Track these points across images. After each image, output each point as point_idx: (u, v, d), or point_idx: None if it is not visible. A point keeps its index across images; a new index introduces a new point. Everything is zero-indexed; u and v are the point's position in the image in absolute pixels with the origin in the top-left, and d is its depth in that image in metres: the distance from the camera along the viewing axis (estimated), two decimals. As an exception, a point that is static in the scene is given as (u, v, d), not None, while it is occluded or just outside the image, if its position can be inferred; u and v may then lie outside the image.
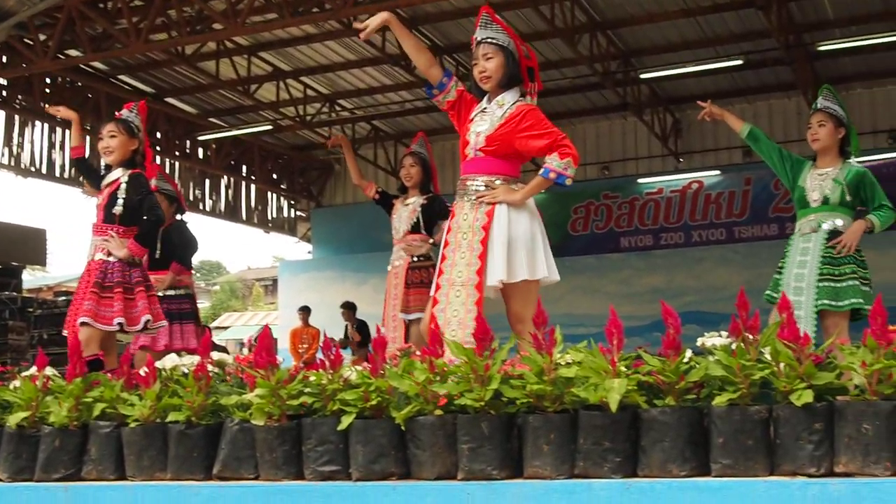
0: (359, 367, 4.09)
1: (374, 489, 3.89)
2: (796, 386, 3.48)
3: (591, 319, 16.78)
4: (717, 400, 3.54)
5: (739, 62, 15.84)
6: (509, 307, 5.25)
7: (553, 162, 5.21)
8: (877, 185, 6.26)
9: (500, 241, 5.16)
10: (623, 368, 3.69)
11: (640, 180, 18.93)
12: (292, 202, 22.54)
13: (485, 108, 5.38)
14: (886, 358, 3.43)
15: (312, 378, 4.12)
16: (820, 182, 6.23)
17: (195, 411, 4.32)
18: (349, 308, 16.34)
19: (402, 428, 3.91)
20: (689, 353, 3.77)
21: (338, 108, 18.61)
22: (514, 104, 5.33)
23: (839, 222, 6.15)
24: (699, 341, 4.12)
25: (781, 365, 3.55)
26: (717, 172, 18.44)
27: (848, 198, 6.17)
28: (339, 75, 17.43)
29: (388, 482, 3.90)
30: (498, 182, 5.25)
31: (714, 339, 4.02)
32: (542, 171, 5.23)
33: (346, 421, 3.96)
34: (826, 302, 5.91)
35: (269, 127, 18.93)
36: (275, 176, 21.46)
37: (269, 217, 22.08)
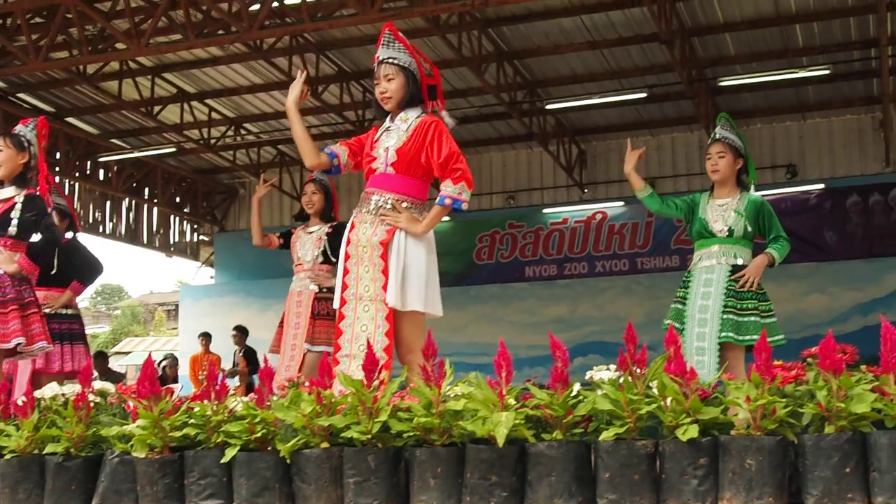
0: (245, 399, 4.00)
1: (257, 523, 3.80)
2: (682, 421, 3.48)
3: (496, 348, 16.79)
4: (604, 434, 3.53)
5: (643, 95, 16.05)
6: (400, 335, 5.19)
7: (447, 188, 5.20)
8: (774, 216, 6.33)
9: (397, 266, 5.13)
10: (512, 402, 3.66)
11: (546, 210, 19.05)
12: (195, 226, 22.21)
13: (389, 127, 5.37)
14: (770, 393, 3.46)
15: (196, 409, 4.02)
16: (722, 213, 6.28)
17: (74, 443, 4.19)
18: (241, 332, 16.12)
19: (288, 461, 3.83)
20: (577, 387, 3.76)
21: (243, 132, 18.42)
22: (417, 118, 5.33)
23: (742, 256, 6.21)
24: (587, 375, 4.11)
25: (668, 399, 3.55)
26: (621, 203, 18.64)
27: (746, 232, 6.23)
28: (245, 98, 17.26)
29: (272, 516, 3.82)
30: (405, 205, 5.22)
31: (603, 373, 4.02)
32: (438, 199, 5.21)
33: (229, 453, 3.87)
34: (730, 334, 5.95)
35: (173, 149, 18.62)
36: (178, 199, 21.09)
37: (172, 241, 21.72)
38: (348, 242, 5.29)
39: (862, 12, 14.00)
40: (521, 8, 13.90)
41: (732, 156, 6.33)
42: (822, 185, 17.54)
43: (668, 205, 6.56)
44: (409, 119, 5.33)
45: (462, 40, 14.03)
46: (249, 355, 15.61)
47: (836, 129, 17.77)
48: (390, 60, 5.36)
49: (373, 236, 5.19)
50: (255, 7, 12.48)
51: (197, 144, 18.00)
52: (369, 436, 3.70)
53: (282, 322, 7.97)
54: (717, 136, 6.40)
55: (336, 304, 5.25)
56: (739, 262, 6.19)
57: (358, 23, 12.57)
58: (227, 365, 15.88)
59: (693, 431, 3.43)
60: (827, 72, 15.23)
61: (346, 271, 5.25)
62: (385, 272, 5.11)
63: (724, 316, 6.01)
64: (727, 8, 14.07)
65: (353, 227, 5.32)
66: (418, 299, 5.14)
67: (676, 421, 3.49)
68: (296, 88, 5.55)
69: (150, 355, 4.11)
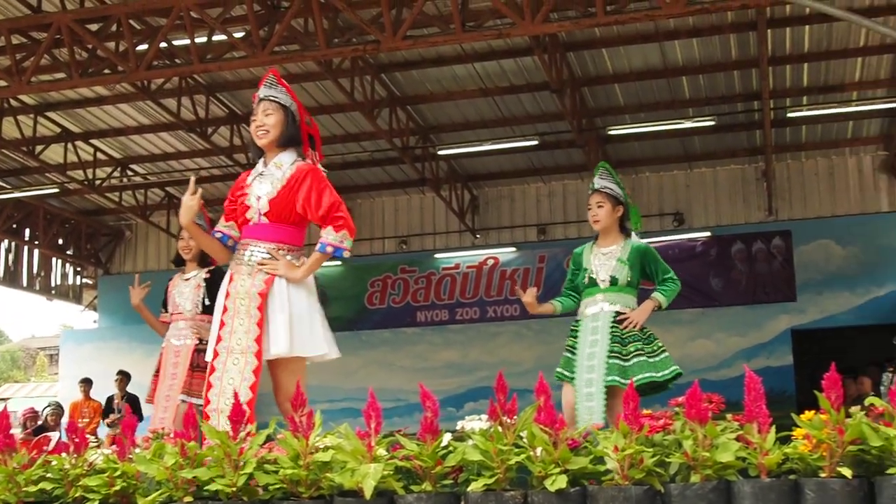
0: (106, 451, 3.87)
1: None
2: (551, 471, 3.47)
3: (386, 394, 16.72)
4: (473, 485, 3.49)
5: (535, 143, 16.25)
6: (279, 383, 5.10)
7: (329, 236, 5.13)
8: (659, 259, 6.41)
9: (281, 313, 5.05)
10: (382, 452, 3.61)
11: (438, 255, 19.08)
12: (78, 269, 21.67)
13: (262, 172, 5.24)
14: (638, 443, 3.47)
15: (54, 462, 3.88)
16: (605, 262, 6.32)
17: (-73, 497, 4.02)
18: (125, 377, 15.71)
19: (150, 515, 3.71)
20: (447, 437, 3.72)
21: (129, 173, 18.13)
22: (293, 164, 5.23)
23: (626, 303, 6.26)
24: (458, 425, 4.08)
25: (538, 450, 3.54)
26: (513, 249, 18.78)
27: (630, 278, 6.29)
28: (132, 139, 16.99)
29: (133, 573, 3.71)
30: (282, 253, 5.14)
31: (474, 423, 3.99)
32: (318, 245, 5.14)
33: (87, 509, 3.75)
34: (616, 378, 5.98)
35: (56, 190, 18.22)
36: (60, 241, 20.53)
37: (53, 283, 21.16)
38: (227, 295, 5.17)
39: (745, 66, 14.43)
40: (413, 54, 13.99)
41: (611, 204, 6.38)
42: (707, 233, 17.94)
43: (572, 290, 6.57)
44: (283, 165, 5.22)
45: (355, 85, 14.05)
46: (133, 402, 15.19)
47: (721, 179, 18.20)
48: (271, 98, 5.26)
49: (251, 287, 5.09)
50: (144, 47, 12.33)
51: (81, 185, 17.61)
52: (234, 489, 3.61)
53: (157, 372, 7.74)
54: (596, 185, 6.45)
55: (209, 357, 5.14)
56: (624, 309, 6.24)
57: (248, 65, 12.48)
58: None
59: (561, 482, 3.42)
60: (712, 123, 15.64)
61: (221, 324, 5.13)
62: (260, 324, 5.02)
63: (610, 361, 6.05)
64: (616, 59, 14.36)
65: (231, 279, 5.20)
66: (302, 345, 5.06)
67: (545, 471, 3.48)
68: (190, 206, 5.32)
69: (5, 406, 3.95)
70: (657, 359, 6.10)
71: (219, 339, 5.10)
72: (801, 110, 15.45)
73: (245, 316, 5.06)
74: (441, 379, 17.82)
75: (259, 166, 5.29)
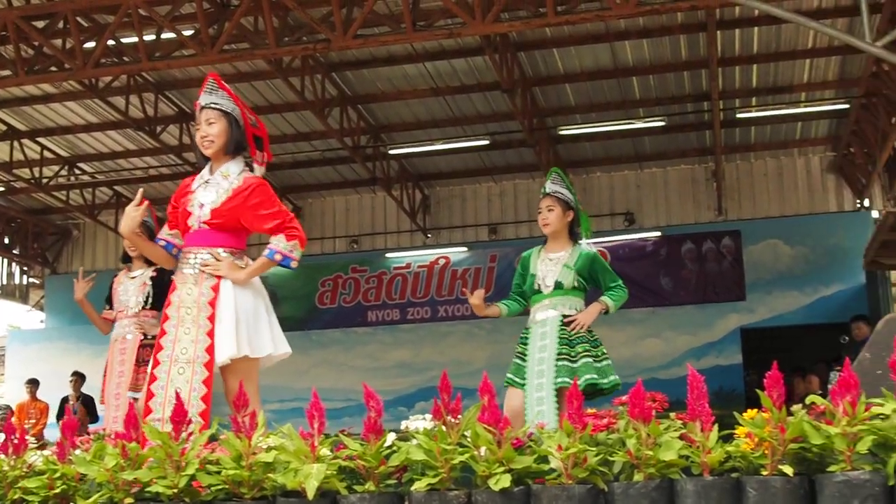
0: (46, 452, 3.83)
1: (54, 584, 3.64)
2: (495, 470, 3.46)
3: (337, 394, 16.70)
4: (417, 485, 3.48)
5: (486, 142, 16.30)
6: (229, 385, 5.06)
7: (280, 244, 5.10)
8: (607, 267, 6.46)
9: (228, 317, 5.02)
10: (325, 453, 3.58)
11: (389, 255, 19.05)
12: (25, 268, 21.39)
13: (208, 179, 5.19)
14: (582, 442, 3.47)
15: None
16: (552, 267, 6.35)
17: None
18: (80, 377, 15.53)
19: (90, 517, 3.67)
20: (391, 437, 3.70)
21: (77, 172, 17.92)
22: (240, 175, 5.18)
23: (572, 307, 6.30)
24: (402, 424, 4.07)
25: (482, 449, 3.53)
26: (464, 249, 18.79)
27: (576, 284, 6.32)
28: (80, 137, 16.80)
29: (73, 576, 3.66)
30: (223, 254, 5.10)
31: (418, 423, 3.97)
32: (267, 251, 5.11)
33: (26, 511, 3.70)
34: (565, 380, 6.00)
35: (2, 188, 18.03)
36: (6, 240, 20.25)
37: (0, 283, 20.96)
38: (168, 304, 5.12)
39: (695, 67, 14.53)
40: (364, 53, 13.96)
41: (562, 209, 6.41)
42: (658, 233, 18.05)
43: (519, 295, 6.57)
44: (230, 175, 5.17)
45: (305, 84, 13.99)
46: (88, 403, 15.03)
47: (671, 179, 18.32)
48: (212, 105, 5.19)
49: (199, 297, 5.05)
50: (91, 44, 12.20)
51: (28, 184, 17.41)
52: (176, 490, 3.57)
53: (106, 371, 7.68)
54: (547, 190, 6.48)
55: (150, 368, 5.08)
56: (571, 312, 6.28)
57: (197, 63, 12.38)
58: (54, 412, 15.34)
59: (505, 481, 3.41)
60: (662, 123, 15.77)
61: (163, 332, 5.07)
62: (210, 334, 4.99)
63: (559, 363, 6.08)
64: (567, 59, 14.40)
65: (174, 288, 5.14)
66: (245, 346, 5.03)
67: (489, 470, 3.47)
68: (132, 217, 5.23)
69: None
70: (601, 364, 6.16)
71: (160, 348, 5.04)
72: (750, 111, 15.65)
73: (192, 325, 5.02)
74: (392, 378, 17.81)
75: (205, 173, 5.24)
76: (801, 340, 16.63)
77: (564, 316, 6.25)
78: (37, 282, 21.44)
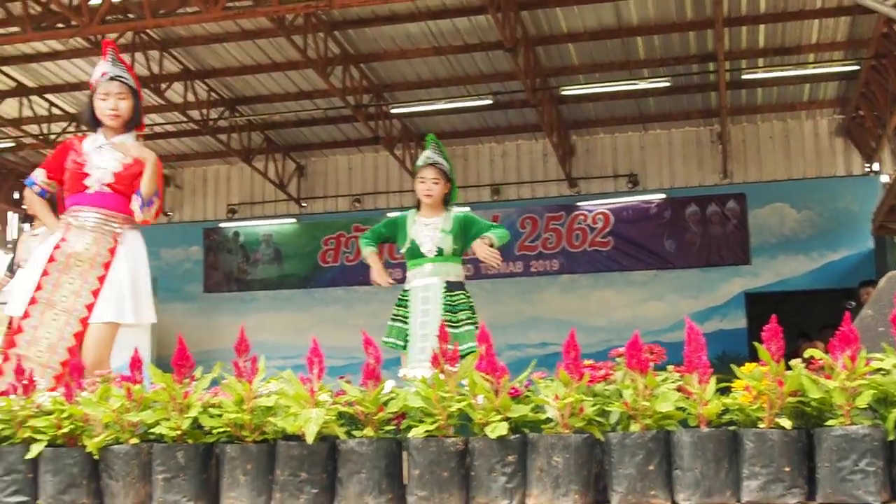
0: (54, 394, 3.91)
1: (60, 523, 3.69)
2: (492, 418, 3.50)
3: (339, 351, 16.73)
4: (414, 431, 3.51)
5: (488, 102, 16.25)
6: (87, 342, 5.30)
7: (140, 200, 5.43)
8: (478, 218, 6.70)
9: (118, 282, 5.31)
10: (324, 398, 3.62)
11: (391, 214, 18.90)
12: (34, 223, 21.44)
13: (102, 145, 5.46)
14: (579, 392, 3.50)
15: (3, 404, 3.90)
16: (429, 233, 6.55)
17: None
18: None
19: (96, 457, 3.73)
20: (390, 384, 3.74)
21: (84, 129, 17.88)
22: (138, 145, 5.53)
23: (453, 272, 6.53)
24: (401, 372, 4.11)
25: (479, 397, 3.56)
26: (467, 209, 18.71)
27: (455, 247, 6.53)
28: (86, 94, 16.73)
29: (77, 514, 3.72)
30: (117, 224, 5.41)
31: (416, 371, 4.01)
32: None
33: (35, 449, 3.76)
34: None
35: (11, 144, 18.04)
36: (16, 196, 20.37)
37: (9, 238, 20.95)
38: (56, 247, 5.32)
39: (701, 27, 14.44)
40: (366, 11, 13.91)
41: (444, 181, 6.61)
42: (662, 195, 18.01)
43: (378, 234, 6.90)
44: (126, 144, 5.46)
45: (308, 42, 13.94)
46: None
47: (675, 141, 18.26)
48: (122, 79, 5.50)
49: (96, 256, 5.31)
50: (97, 1, 12.19)
51: (36, 140, 17.44)
52: (179, 432, 3.63)
53: None
54: (431, 160, 6.65)
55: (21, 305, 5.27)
56: (452, 278, 6.50)
57: (201, 21, 12.39)
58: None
59: (502, 429, 3.43)
60: (667, 84, 15.69)
61: (45, 272, 5.28)
62: (96, 293, 5.26)
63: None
64: (570, 18, 14.33)
65: (63, 238, 5.35)
66: (134, 313, 5.35)
67: (486, 418, 3.50)
68: None
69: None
70: (474, 329, 6.35)
71: (39, 287, 5.25)
72: (756, 72, 15.50)
73: (77, 277, 5.27)
74: (394, 337, 17.84)
75: (99, 138, 5.50)
76: (808, 306, 16.59)
77: (447, 283, 6.46)
78: (45, 237, 21.47)
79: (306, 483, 3.53)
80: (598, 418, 3.56)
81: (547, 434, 3.49)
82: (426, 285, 6.47)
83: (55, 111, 17.20)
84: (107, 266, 5.29)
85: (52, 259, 5.29)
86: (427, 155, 6.66)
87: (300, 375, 3.70)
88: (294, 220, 19.16)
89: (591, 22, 14.43)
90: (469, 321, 6.34)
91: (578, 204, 18.18)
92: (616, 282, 17.50)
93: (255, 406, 3.63)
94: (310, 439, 3.46)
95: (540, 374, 3.75)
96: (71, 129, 17.63)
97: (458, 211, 6.69)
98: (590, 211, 18.04)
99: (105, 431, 3.75)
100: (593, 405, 3.56)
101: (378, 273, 6.74)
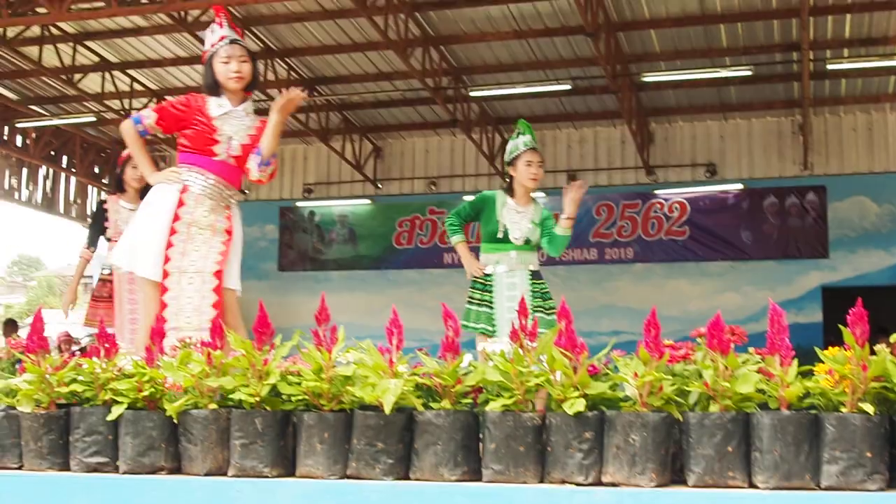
0: (135, 357, 3.95)
1: (140, 483, 3.74)
2: (570, 394, 3.49)
3: (412, 333, 16.68)
4: (491, 405, 3.52)
5: (567, 87, 16.14)
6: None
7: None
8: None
9: (236, 251, 5.49)
10: (402, 369, 3.64)
11: (466, 197, 18.97)
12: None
13: (228, 111, 5.40)
14: (658, 371, 3.48)
15: (85, 366, 3.95)
16: (519, 221, 6.43)
17: (-43, 397, 4.10)
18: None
19: (175, 421, 3.78)
20: (468, 358, 3.74)
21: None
22: (254, 112, 5.53)
23: (535, 261, 6.49)
24: (479, 347, 4.11)
25: (558, 373, 3.56)
26: (542, 195, 18.54)
27: (539, 240, 6.52)
28: (168, 71, 17.05)
29: (157, 476, 3.77)
30: (236, 196, 5.53)
31: (496, 346, 4.02)
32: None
33: (116, 411, 3.81)
34: (543, 331, 6.06)
35: (93, 119, 18.32)
36: (96, 169, 20.75)
37: (89, 211, 21.33)
38: (177, 218, 5.32)
39: (785, 16, 14.21)
40: (448, -7, 13.92)
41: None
42: (740, 186, 17.80)
43: (463, 217, 6.69)
44: (250, 113, 5.48)
45: (389, 23, 13.97)
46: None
47: (756, 131, 18.02)
48: (242, 44, 5.49)
49: (216, 223, 5.40)
50: (181, -23, 12.35)
51: (118, 115, 17.66)
52: (258, 398, 3.66)
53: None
54: (534, 145, 6.53)
55: (160, 278, 5.30)
56: (534, 267, 6.45)
57: (283, -1, 12.49)
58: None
59: (580, 405, 3.43)
60: (749, 73, 15.45)
61: (170, 244, 5.31)
62: (224, 254, 5.36)
63: (535, 314, 6.09)
64: (653, 4, 14.20)
65: (182, 203, 5.34)
66: (236, 281, 5.47)
67: (564, 394, 3.49)
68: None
69: (40, 308, 4.02)
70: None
71: (166, 259, 5.29)
72: (841, 62, 15.22)
73: (202, 245, 5.34)
74: (466, 321, 17.87)
75: (224, 103, 5.41)
76: (886, 301, 16.27)
77: (531, 271, 6.42)
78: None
79: (382, 453, 3.56)
80: (676, 398, 3.54)
81: (625, 412, 3.47)
82: (511, 271, 6.39)
83: (137, 87, 17.46)
84: (229, 232, 5.41)
85: (173, 231, 5.30)
86: (528, 139, 6.52)
87: (379, 345, 3.72)
88: (369, 201, 19.26)
89: (674, 8, 14.28)
90: (554, 310, 6.23)
91: (655, 192, 18.05)
92: (691, 272, 17.35)
93: (334, 375, 3.66)
94: (387, 409, 3.48)
95: (619, 352, 3.73)
96: (152, 104, 17.83)
97: (542, 205, 6.58)
98: (666, 199, 17.91)
99: (185, 396, 3.79)
100: (672, 384, 3.54)
101: (469, 264, 6.52)
